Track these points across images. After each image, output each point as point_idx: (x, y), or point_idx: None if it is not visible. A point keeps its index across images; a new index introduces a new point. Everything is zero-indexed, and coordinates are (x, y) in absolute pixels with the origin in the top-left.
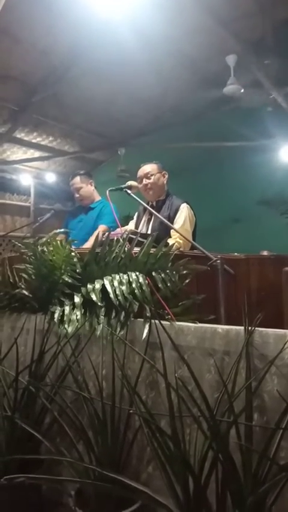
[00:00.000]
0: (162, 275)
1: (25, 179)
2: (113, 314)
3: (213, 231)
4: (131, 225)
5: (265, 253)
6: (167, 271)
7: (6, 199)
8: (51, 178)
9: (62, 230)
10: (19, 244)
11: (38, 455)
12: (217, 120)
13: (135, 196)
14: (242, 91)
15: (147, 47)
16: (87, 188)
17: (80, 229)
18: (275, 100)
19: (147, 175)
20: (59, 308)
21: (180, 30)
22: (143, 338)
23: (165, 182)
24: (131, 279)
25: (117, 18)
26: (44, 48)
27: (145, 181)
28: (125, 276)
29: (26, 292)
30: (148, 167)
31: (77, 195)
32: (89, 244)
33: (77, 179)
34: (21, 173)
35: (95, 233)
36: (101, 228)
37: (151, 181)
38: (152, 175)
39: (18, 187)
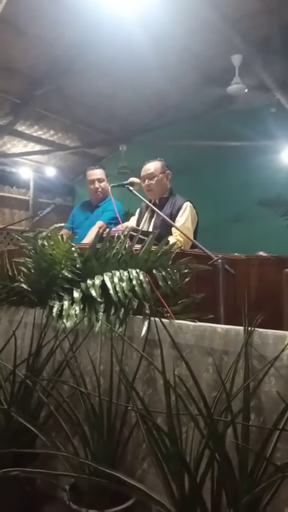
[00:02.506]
0: (163, 273)
1: (25, 172)
2: (112, 310)
3: (213, 230)
4: (133, 222)
5: (261, 253)
6: (168, 269)
7: (5, 192)
8: (51, 172)
9: (63, 224)
10: (19, 238)
11: (34, 448)
12: (220, 119)
13: (137, 193)
14: (246, 90)
15: (153, 43)
16: (106, 184)
17: (86, 227)
18: (279, 101)
19: (150, 176)
20: (58, 303)
21: (187, 27)
22: (141, 335)
23: (168, 181)
24: (131, 276)
25: (124, 12)
26: (49, 41)
27: (147, 181)
28: (125, 273)
29: (24, 286)
30: (152, 167)
31: (96, 186)
32: (87, 239)
33: (101, 170)
34: (21, 167)
35: (93, 229)
36: (98, 223)
37: (153, 182)
38: (154, 176)
39: (18, 180)
